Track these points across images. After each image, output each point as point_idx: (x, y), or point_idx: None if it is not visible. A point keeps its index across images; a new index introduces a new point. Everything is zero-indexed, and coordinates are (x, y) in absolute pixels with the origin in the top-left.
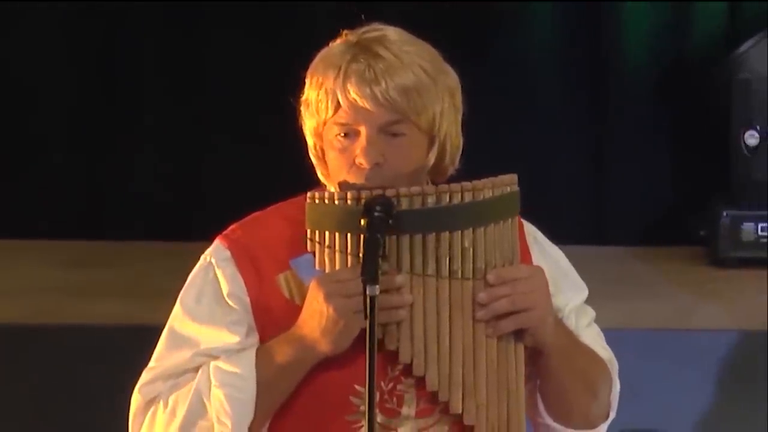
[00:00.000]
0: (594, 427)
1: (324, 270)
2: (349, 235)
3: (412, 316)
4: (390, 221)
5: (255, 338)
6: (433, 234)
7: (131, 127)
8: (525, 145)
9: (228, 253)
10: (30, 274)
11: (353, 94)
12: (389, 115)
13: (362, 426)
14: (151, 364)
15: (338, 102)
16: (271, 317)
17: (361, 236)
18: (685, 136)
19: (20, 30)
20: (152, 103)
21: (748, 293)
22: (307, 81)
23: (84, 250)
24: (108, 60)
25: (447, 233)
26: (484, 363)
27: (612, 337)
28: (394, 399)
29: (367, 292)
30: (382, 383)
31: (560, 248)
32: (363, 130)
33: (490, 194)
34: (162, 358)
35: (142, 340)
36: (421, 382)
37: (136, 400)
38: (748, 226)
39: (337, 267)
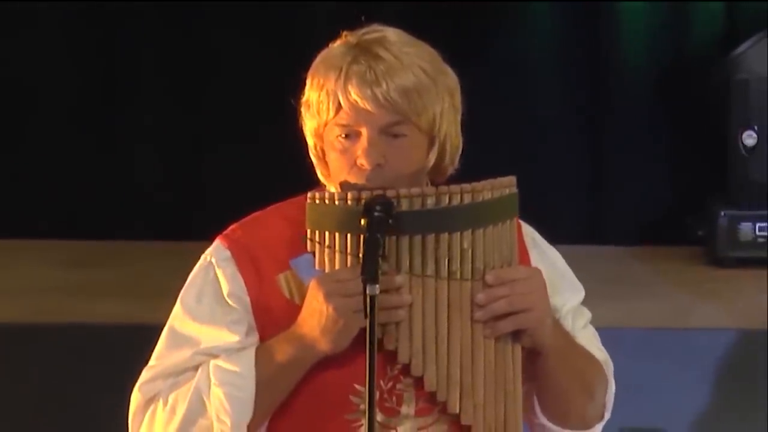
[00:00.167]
0: (590, 427)
1: (324, 270)
2: (348, 235)
3: (411, 316)
4: (390, 221)
5: (255, 338)
6: (433, 235)
7: (132, 127)
8: (524, 145)
9: (228, 253)
10: (30, 274)
11: (354, 95)
12: (390, 117)
13: (362, 425)
14: (152, 362)
15: (339, 103)
16: (271, 317)
17: (361, 236)
18: (684, 136)
19: (20, 30)
20: (152, 103)
21: (746, 293)
22: (308, 82)
23: (84, 249)
24: (108, 60)
25: (446, 234)
26: (482, 363)
27: (610, 336)
28: (394, 398)
29: (368, 292)
30: (382, 382)
31: (558, 248)
32: (364, 131)
33: (489, 196)
34: (162, 357)
35: (143, 340)
36: (420, 381)
37: (135, 398)
38: (745, 226)
39: (337, 267)
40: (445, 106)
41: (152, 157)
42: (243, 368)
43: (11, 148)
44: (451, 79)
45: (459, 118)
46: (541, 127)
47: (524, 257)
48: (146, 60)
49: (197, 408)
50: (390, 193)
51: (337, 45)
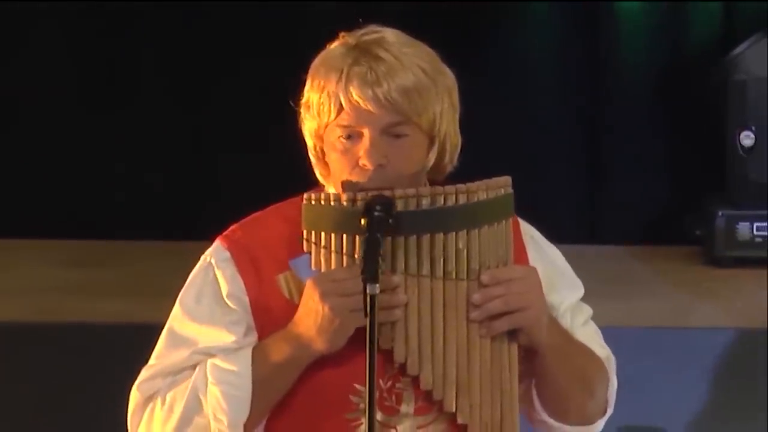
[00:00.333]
0: (591, 422)
1: (320, 270)
2: (344, 235)
3: (407, 316)
4: (390, 221)
5: (253, 338)
6: (428, 235)
7: (132, 127)
8: (522, 145)
9: (228, 254)
10: (31, 273)
11: (356, 96)
12: (391, 117)
13: (362, 424)
14: (151, 362)
15: (341, 105)
16: (270, 317)
17: (357, 236)
18: (682, 136)
19: (21, 29)
20: (153, 104)
21: (745, 292)
22: (308, 83)
23: (85, 249)
24: (109, 60)
25: (441, 234)
26: (477, 363)
27: (609, 335)
28: (393, 397)
29: (368, 291)
30: (381, 381)
31: (556, 247)
32: (366, 132)
33: (485, 196)
34: (161, 356)
35: (143, 339)
36: (418, 380)
37: (134, 397)
38: (743, 226)
39: (333, 267)
40: (444, 105)
41: (153, 157)
42: (240, 367)
43: (11, 148)
44: (449, 78)
45: (457, 116)
46: (539, 127)
47: (522, 255)
48: (147, 60)
49: (194, 406)
50: (386, 193)
51: (336, 46)
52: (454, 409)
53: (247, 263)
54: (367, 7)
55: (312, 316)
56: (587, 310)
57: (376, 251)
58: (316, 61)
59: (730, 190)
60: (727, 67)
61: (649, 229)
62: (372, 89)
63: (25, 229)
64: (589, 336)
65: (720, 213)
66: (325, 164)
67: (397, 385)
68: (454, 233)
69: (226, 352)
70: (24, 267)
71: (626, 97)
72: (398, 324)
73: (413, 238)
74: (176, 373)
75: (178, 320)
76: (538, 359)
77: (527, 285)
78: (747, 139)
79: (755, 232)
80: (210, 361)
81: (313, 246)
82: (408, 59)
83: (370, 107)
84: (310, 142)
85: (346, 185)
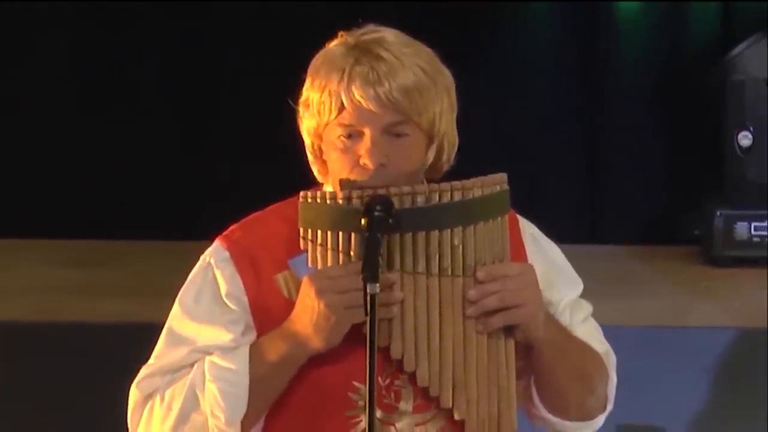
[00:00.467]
0: (592, 418)
1: (317, 267)
2: (340, 233)
3: (403, 313)
4: (390, 221)
5: (252, 337)
6: (423, 232)
7: (133, 127)
8: (521, 144)
9: (227, 254)
10: (32, 273)
11: (357, 96)
12: (393, 116)
13: (361, 421)
14: (150, 361)
15: (342, 104)
16: (270, 316)
17: (352, 234)
18: (680, 136)
19: (22, 28)
20: (153, 104)
21: (743, 291)
22: (308, 82)
23: (85, 249)
24: (109, 60)
25: (436, 231)
26: (474, 359)
27: (608, 334)
28: (392, 394)
29: (368, 290)
30: (380, 379)
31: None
32: (367, 131)
33: (480, 193)
34: (160, 355)
35: (143, 338)
36: (415, 377)
37: (134, 395)
38: (741, 226)
39: (329, 265)
40: (443, 105)
41: (153, 157)
42: (237, 365)
43: (12, 148)
44: (447, 78)
45: (455, 116)
46: (539, 127)
47: (520, 252)
48: (147, 61)
49: (192, 403)
50: (381, 191)
51: (336, 46)
52: (450, 406)
53: (246, 263)
54: (366, 7)
55: (308, 314)
56: (587, 307)
57: (376, 251)
58: (316, 60)
59: (729, 190)
60: (726, 68)
61: (648, 228)
62: (374, 89)
63: (26, 229)
64: (589, 332)
65: (718, 213)
66: (323, 163)
67: (396, 382)
68: (449, 230)
69: (224, 350)
70: (25, 267)
71: (625, 97)
72: (394, 321)
73: (409, 236)
74: (175, 371)
75: (177, 320)
76: (536, 355)
77: (523, 281)
78: (745, 139)
79: (753, 231)
80: (208, 359)
81: (309, 244)
82: (408, 59)
83: (371, 107)
84: (308, 140)
85: (343, 183)
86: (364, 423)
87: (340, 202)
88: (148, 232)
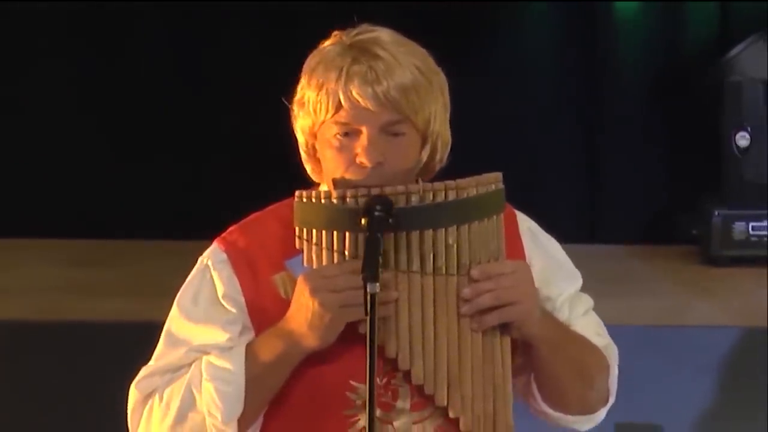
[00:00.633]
0: (593, 412)
1: (312, 267)
2: (335, 232)
3: (398, 311)
4: (390, 220)
5: (250, 337)
6: (417, 231)
7: (134, 127)
8: (520, 144)
9: (224, 256)
10: (34, 273)
11: (356, 94)
12: (390, 115)
13: (359, 420)
14: (150, 362)
15: (339, 102)
16: (267, 317)
17: (347, 233)
18: (678, 136)
19: (23, 27)
20: (154, 103)
21: (741, 291)
22: (304, 81)
23: (87, 248)
24: (110, 59)
25: (431, 231)
26: (469, 357)
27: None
28: (389, 393)
29: (368, 290)
30: (377, 378)
31: None
32: (364, 129)
33: (475, 192)
34: (160, 357)
35: (145, 337)
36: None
37: (133, 395)
38: (739, 225)
39: (325, 264)
40: (438, 105)
41: (155, 157)
42: (234, 364)
43: (13, 148)
44: (442, 78)
45: (448, 116)
46: (538, 126)
47: (517, 247)
48: (147, 60)
49: (189, 402)
50: (374, 190)
51: (331, 45)
52: (445, 403)
53: (243, 265)
54: (366, 7)
55: (303, 312)
56: (587, 301)
57: (376, 250)
58: (312, 60)
59: (726, 190)
60: (723, 69)
61: (647, 228)
62: (372, 87)
63: (28, 228)
64: (589, 326)
65: (716, 213)
66: (317, 161)
67: (393, 381)
68: (443, 229)
69: (220, 349)
70: (26, 266)
71: (624, 97)
72: (389, 320)
73: (403, 235)
74: (173, 371)
75: (175, 321)
76: (533, 352)
77: (517, 279)
78: (743, 139)
79: (751, 231)
80: (205, 358)
81: (305, 243)
82: (404, 58)
83: (369, 105)
84: (302, 138)
85: (337, 183)
86: (362, 422)
87: (335, 201)
88: (149, 231)
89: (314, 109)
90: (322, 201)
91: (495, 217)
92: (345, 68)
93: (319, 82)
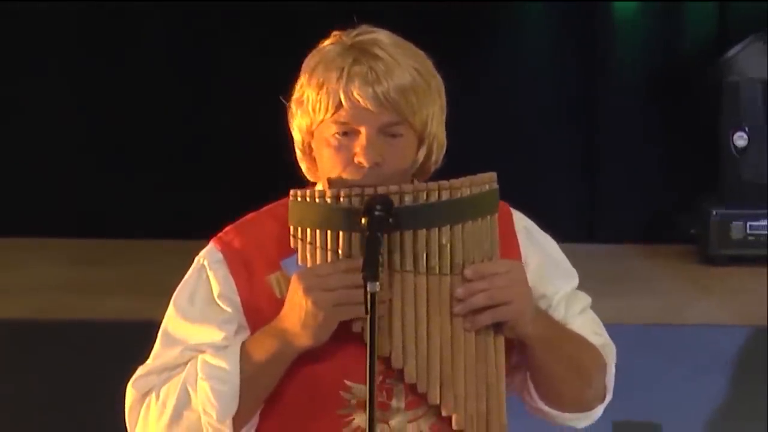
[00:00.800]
0: (590, 409)
1: (306, 265)
2: (329, 232)
3: (391, 311)
4: (390, 220)
5: (245, 336)
6: (411, 231)
7: (134, 127)
8: (519, 144)
9: (220, 256)
10: (37, 272)
11: (356, 94)
12: (389, 116)
13: (353, 419)
14: (147, 362)
15: (339, 102)
16: (262, 317)
17: (341, 233)
18: (676, 136)
19: (23, 27)
20: (154, 103)
21: (739, 290)
22: (303, 80)
23: (87, 248)
24: (110, 59)
25: (424, 230)
26: (462, 356)
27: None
28: (384, 392)
29: (368, 289)
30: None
31: None
32: (363, 130)
33: (468, 192)
34: (156, 356)
35: (145, 336)
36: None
37: (130, 394)
38: (737, 225)
39: (318, 263)
40: (435, 107)
41: (155, 157)
42: (229, 363)
43: (14, 148)
44: (439, 81)
45: (444, 118)
46: (536, 126)
47: (514, 246)
48: (148, 60)
49: (185, 401)
50: (368, 190)
51: (331, 45)
52: (438, 402)
53: (239, 264)
54: (365, 7)
55: (296, 311)
56: (584, 299)
57: (377, 249)
58: (312, 59)
59: (724, 189)
60: (721, 69)
61: (645, 228)
62: (372, 88)
63: (28, 228)
64: (585, 324)
65: (714, 212)
66: (312, 160)
67: (388, 380)
68: (437, 229)
69: (216, 348)
70: (27, 266)
71: (623, 97)
72: (382, 319)
73: (396, 234)
74: (170, 370)
75: (171, 320)
76: (528, 351)
77: (511, 279)
78: (740, 139)
79: (749, 231)
80: (200, 357)
81: (299, 242)
82: (404, 60)
83: (369, 106)
84: (298, 137)
85: (333, 182)
86: (357, 421)
87: (329, 200)
88: (149, 231)
89: (313, 108)
90: (317, 200)
91: (489, 217)
92: (346, 68)
93: (320, 82)
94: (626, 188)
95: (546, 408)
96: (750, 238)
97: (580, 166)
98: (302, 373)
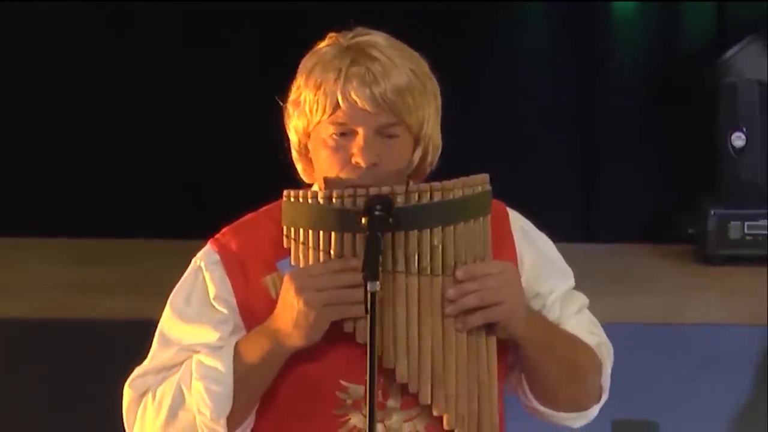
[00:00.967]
0: (585, 409)
1: (299, 266)
2: (321, 232)
3: (382, 310)
4: (390, 220)
5: (241, 336)
6: (403, 231)
7: (135, 127)
8: (518, 144)
9: (217, 257)
10: (39, 271)
11: (354, 95)
12: (386, 117)
13: (349, 419)
14: (144, 361)
15: (337, 103)
16: (258, 318)
17: (333, 233)
18: (676, 136)
19: (26, 27)
20: (156, 103)
21: (736, 289)
22: (300, 81)
23: (88, 247)
24: (113, 59)
25: (416, 231)
26: (453, 356)
27: (604, 331)
28: (380, 391)
29: (369, 288)
30: (367, 376)
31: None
32: (360, 130)
33: (461, 194)
34: (153, 357)
35: (145, 335)
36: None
37: (127, 394)
38: (735, 225)
39: (311, 263)
40: (431, 108)
41: (158, 157)
42: (223, 364)
43: (15, 148)
44: (435, 83)
45: (439, 120)
46: (535, 126)
47: (510, 245)
48: (149, 60)
49: (180, 400)
50: (360, 191)
51: (328, 47)
52: (429, 402)
53: (235, 266)
54: (365, 7)
55: (288, 311)
56: (580, 299)
57: (377, 249)
58: (309, 61)
59: (722, 189)
60: (719, 70)
61: (644, 227)
62: (370, 89)
63: (29, 228)
64: (580, 324)
65: (712, 212)
66: (308, 161)
67: (383, 380)
68: (429, 230)
69: (210, 348)
70: (28, 265)
71: (621, 97)
72: (374, 318)
73: (388, 235)
74: (166, 370)
75: (167, 321)
76: (521, 351)
77: (502, 280)
78: (738, 140)
79: (747, 230)
80: (195, 357)
81: (292, 242)
82: (400, 61)
83: (367, 106)
84: (294, 138)
85: (329, 182)
86: (353, 421)
87: (321, 201)
88: (149, 230)
89: (311, 109)
90: (309, 201)
91: (481, 218)
92: (343, 69)
93: (317, 83)
94: (625, 188)
95: (541, 408)
96: (748, 237)
97: (579, 166)
98: (298, 374)
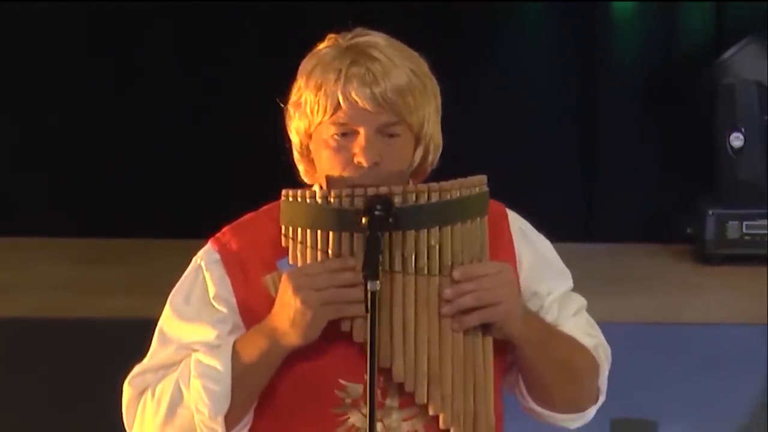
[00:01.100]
0: (582, 410)
1: (297, 265)
2: (319, 231)
3: (379, 310)
4: (390, 220)
5: (240, 335)
6: (400, 231)
7: (138, 127)
8: (517, 144)
9: (217, 256)
10: (41, 271)
11: (354, 95)
12: (387, 117)
13: (348, 418)
14: (144, 360)
15: (338, 103)
16: (258, 317)
17: (330, 233)
18: (673, 137)
19: (26, 27)
20: (158, 102)
21: (735, 289)
22: (301, 83)
23: (89, 247)
24: (114, 60)
25: (413, 231)
26: (449, 356)
27: (602, 330)
28: (379, 391)
29: (369, 288)
30: (366, 375)
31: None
32: (362, 130)
33: (458, 195)
34: (152, 355)
35: (146, 334)
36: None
37: (127, 392)
38: (733, 225)
39: (309, 262)
40: (431, 108)
41: (158, 157)
42: (221, 362)
43: (16, 148)
44: (435, 83)
45: (440, 120)
46: (534, 126)
47: (509, 246)
48: (150, 61)
49: (178, 398)
50: (358, 191)
51: (328, 48)
52: (425, 401)
53: (235, 265)
54: (365, 7)
55: (286, 310)
56: (578, 300)
57: (377, 249)
58: (309, 62)
59: (721, 189)
60: (717, 71)
61: (642, 227)
62: (370, 89)
63: (30, 227)
64: (578, 326)
65: (710, 212)
66: (310, 162)
67: (381, 379)
68: (426, 230)
69: (209, 347)
70: (29, 265)
71: (620, 98)
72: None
73: (386, 235)
74: (165, 368)
75: (167, 320)
76: (518, 352)
77: (499, 281)
78: (736, 140)
79: (745, 230)
80: (194, 355)
81: (290, 241)
82: (400, 61)
83: (367, 106)
84: (296, 139)
85: (332, 181)
86: (351, 420)
87: (319, 201)
88: (150, 230)
89: (312, 110)
90: (308, 200)
91: (479, 219)
92: (344, 70)
93: (318, 84)
94: (624, 188)
95: (538, 408)
96: (746, 237)
97: (578, 166)
98: (296, 372)
